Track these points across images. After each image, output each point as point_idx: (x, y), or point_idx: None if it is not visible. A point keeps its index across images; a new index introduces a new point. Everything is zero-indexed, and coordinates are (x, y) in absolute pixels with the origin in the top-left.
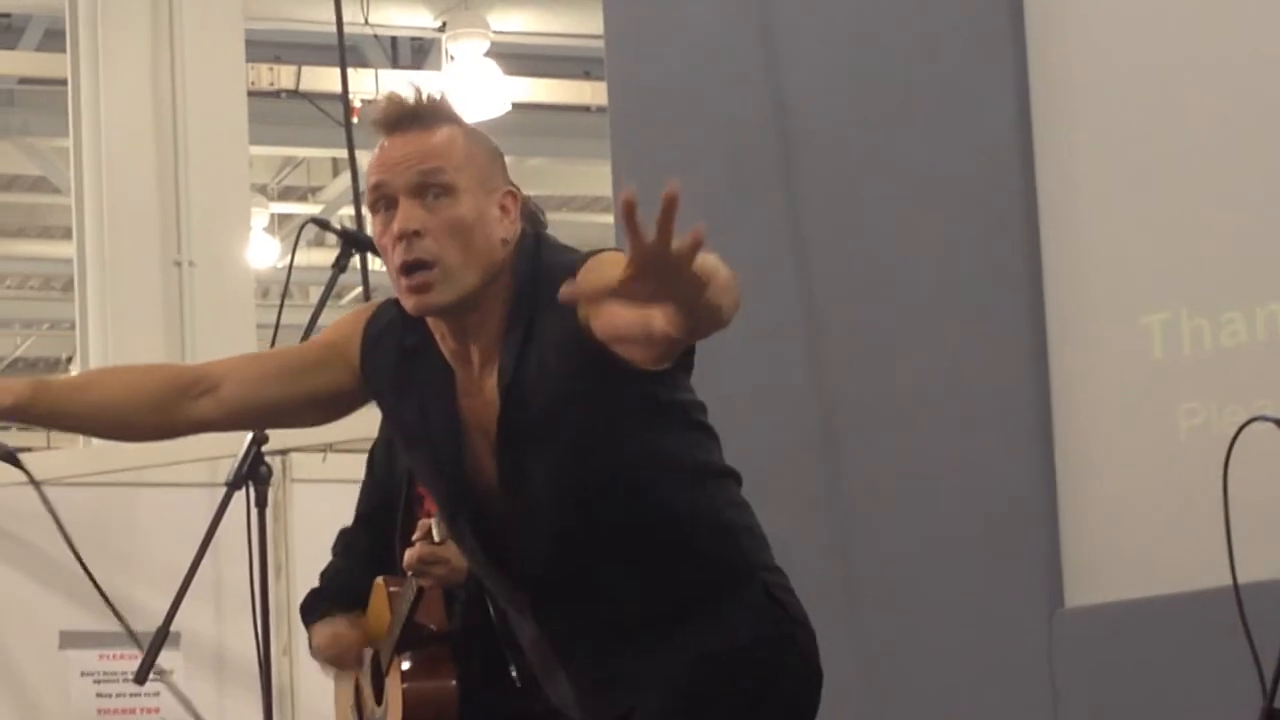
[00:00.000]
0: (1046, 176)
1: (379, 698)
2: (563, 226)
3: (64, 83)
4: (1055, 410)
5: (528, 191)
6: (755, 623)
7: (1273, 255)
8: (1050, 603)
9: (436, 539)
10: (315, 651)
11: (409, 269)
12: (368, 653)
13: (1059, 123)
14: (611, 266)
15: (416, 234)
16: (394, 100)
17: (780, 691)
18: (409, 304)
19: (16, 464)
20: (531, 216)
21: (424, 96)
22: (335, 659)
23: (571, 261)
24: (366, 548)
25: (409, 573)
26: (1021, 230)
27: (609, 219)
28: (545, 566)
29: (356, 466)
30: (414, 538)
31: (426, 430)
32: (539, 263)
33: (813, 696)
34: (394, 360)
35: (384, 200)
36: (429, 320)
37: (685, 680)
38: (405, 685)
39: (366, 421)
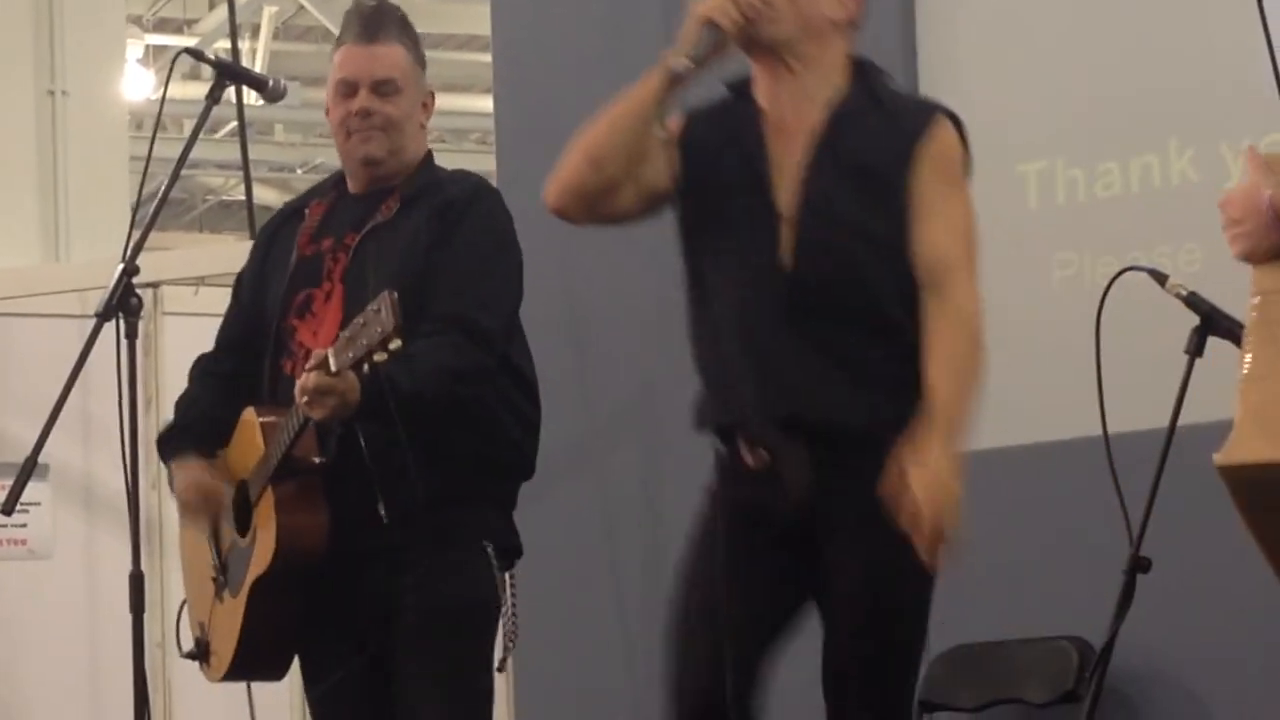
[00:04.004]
0: (927, 26)
1: (243, 530)
2: (440, 65)
3: None
4: None
5: None
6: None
7: (1150, 107)
8: None
9: (333, 368)
10: (177, 495)
11: None
12: (228, 488)
13: None
14: None
15: None
16: None
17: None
18: None
19: None
20: None
21: None
22: (195, 506)
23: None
24: (228, 374)
25: (301, 399)
26: (902, 78)
27: (486, 58)
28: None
29: (228, 300)
30: (308, 367)
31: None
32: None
33: None
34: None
35: None
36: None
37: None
38: (280, 517)
39: (238, 254)
